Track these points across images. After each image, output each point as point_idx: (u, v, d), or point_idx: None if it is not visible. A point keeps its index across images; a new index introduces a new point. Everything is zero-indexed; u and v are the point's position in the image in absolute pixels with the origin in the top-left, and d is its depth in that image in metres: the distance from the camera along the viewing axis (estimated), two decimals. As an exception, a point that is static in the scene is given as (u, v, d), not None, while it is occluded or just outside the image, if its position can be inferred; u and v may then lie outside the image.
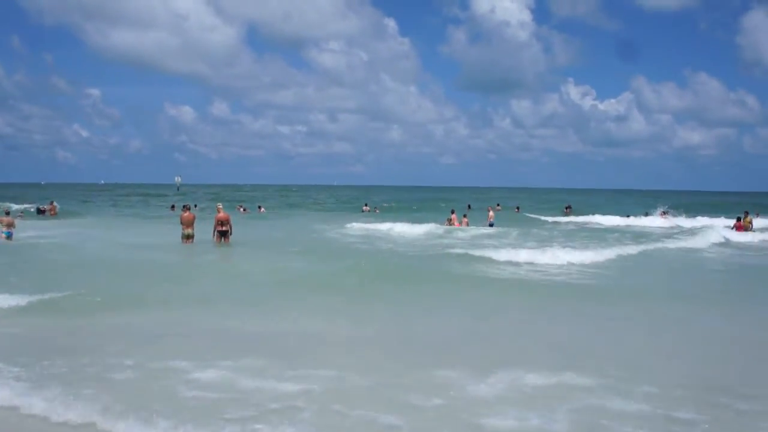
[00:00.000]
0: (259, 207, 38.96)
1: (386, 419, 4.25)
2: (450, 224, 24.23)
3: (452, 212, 26.09)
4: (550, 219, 28.64)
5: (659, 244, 17.16)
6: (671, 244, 17.23)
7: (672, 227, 25.75)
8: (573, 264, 12.92)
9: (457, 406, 4.54)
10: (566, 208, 41.14)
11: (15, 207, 33.61)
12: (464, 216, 25.91)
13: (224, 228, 16.35)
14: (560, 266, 12.65)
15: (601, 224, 27.76)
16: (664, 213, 30.80)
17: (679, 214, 30.40)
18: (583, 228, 25.03)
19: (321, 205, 52.73)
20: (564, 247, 14.87)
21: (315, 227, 21.59)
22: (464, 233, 19.54)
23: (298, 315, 7.57)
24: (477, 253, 13.64)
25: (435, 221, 24.90)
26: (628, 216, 30.66)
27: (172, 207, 36.90)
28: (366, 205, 40.83)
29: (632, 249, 15.72)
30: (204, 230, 17.02)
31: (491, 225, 25.40)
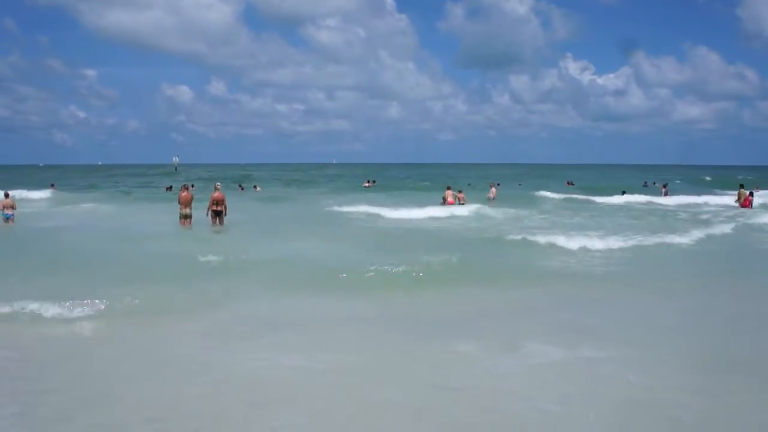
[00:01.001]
0: (255, 186, 38.59)
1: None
2: (444, 201, 23.91)
3: (448, 188, 25.88)
4: (556, 195, 27.97)
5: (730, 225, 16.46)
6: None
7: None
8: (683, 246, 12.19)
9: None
10: (568, 183, 41.00)
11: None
12: (459, 191, 25.75)
13: (219, 208, 16.01)
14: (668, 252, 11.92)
15: (610, 202, 26.84)
16: (665, 187, 31.11)
17: (673, 190, 30.56)
18: (610, 207, 24.37)
19: (320, 183, 52.28)
20: (624, 232, 13.93)
21: (323, 208, 20.76)
22: (492, 215, 18.16)
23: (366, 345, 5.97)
24: (541, 239, 12.41)
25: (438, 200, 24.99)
26: (623, 193, 30.39)
27: (169, 188, 36.39)
28: (368, 181, 40.42)
29: (712, 230, 14.94)
30: (202, 210, 16.71)
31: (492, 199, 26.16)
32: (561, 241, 12.21)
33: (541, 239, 12.42)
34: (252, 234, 14.00)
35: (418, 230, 13.86)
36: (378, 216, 18.20)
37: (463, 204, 23.79)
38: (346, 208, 19.19)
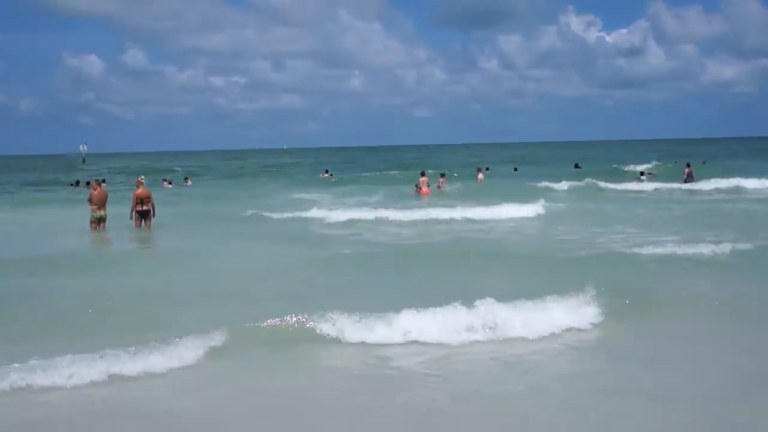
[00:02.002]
0: (186, 179, 38.62)
1: None
2: (418, 191, 25.11)
3: (422, 174, 26.62)
4: (563, 186, 28.03)
5: None
6: None
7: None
8: None
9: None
10: (575, 167, 41.73)
11: None
12: (442, 175, 26.93)
13: (145, 207, 16.06)
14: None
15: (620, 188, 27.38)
16: (642, 174, 31.86)
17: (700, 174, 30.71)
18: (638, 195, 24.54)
19: (269, 175, 52.29)
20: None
21: (282, 211, 20.39)
22: (533, 217, 17.39)
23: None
24: (676, 250, 11.29)
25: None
26: (642, 175, 31.14)
27: (75, 184, 36.03)
28: (327, 171, 40.70)
29: None
30: (118, 212, 16.79)
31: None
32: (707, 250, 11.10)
33: (677, 250, 11.26)
34: (189, 247, 13.71)
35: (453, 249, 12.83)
36: (374, 225, 16.68)
37: (441, 189, 25.60)
38: (313, 213, 18.48)
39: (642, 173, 32.23)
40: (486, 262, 10.84)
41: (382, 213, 17.87)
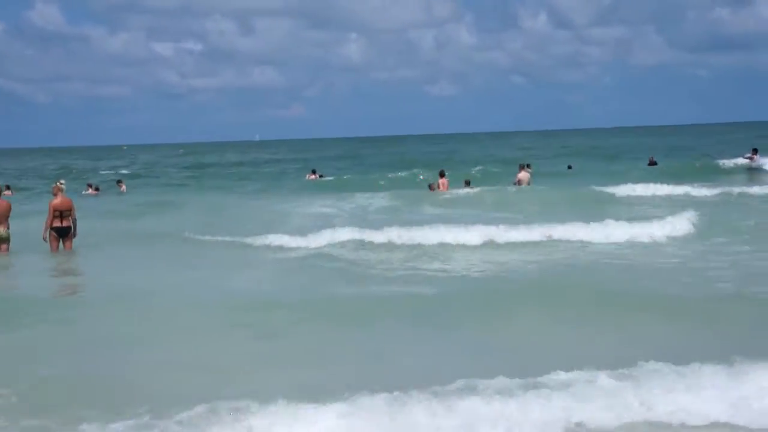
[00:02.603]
0: (119, 182, 38.83)
1: None
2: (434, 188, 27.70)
3: (441, 175, 28.82)
4: (645, 190, 27.75)
5: None
6: None
7: None
8: None
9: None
10: (650, 163, 41.79)
11: None
12: (441, 174, 28.77)
13: (65, 223, 16.12)
14: None
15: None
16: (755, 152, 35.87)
17: None
18: None
19: (239, 176, 52.98)
20: None
21: (241, 215, 20.14)
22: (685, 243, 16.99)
23: None
24: None
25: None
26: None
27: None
28: (314, 171, 41.02)
29: None
30: (26, 229, 16.82)
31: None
32: None
33: None
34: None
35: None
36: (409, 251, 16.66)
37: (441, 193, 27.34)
38: (285, 239, 18.25)
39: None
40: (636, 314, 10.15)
41: (418, 234, 17.77)
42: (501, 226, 17.82)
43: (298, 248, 16.94)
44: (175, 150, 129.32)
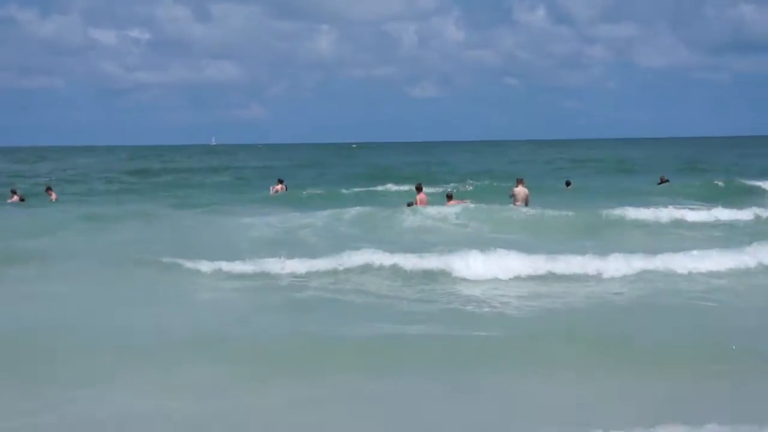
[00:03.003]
0: (48, 190, 38.28)
1: None
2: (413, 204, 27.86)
3: (418, 189, 28.97)
4: (656, 214, 27.47)
5: None
6: None
7: None
8: None
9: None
10: (661, 181, 41.96)
11: None
12: (417, 189, 28.91)
13: None
14: None
15: None
16: None
17: None
18: None
19: (191, 184, 52.90)
20: None
21: (192, 232, 19.82)
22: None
23: None
24: None
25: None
26: None
27: None
28: (280, 182, 40.83)
29: None
30: None
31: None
32: None
33: None
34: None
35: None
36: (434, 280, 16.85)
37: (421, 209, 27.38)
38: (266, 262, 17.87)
39: None
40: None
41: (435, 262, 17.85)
42: (513, 253, 17.76)
43: (269, 275, 16.92)
44: (117, 154, 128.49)
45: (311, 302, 14.68)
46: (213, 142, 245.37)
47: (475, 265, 17.12)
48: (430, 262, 17.51)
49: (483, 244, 18.60)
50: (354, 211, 27.01)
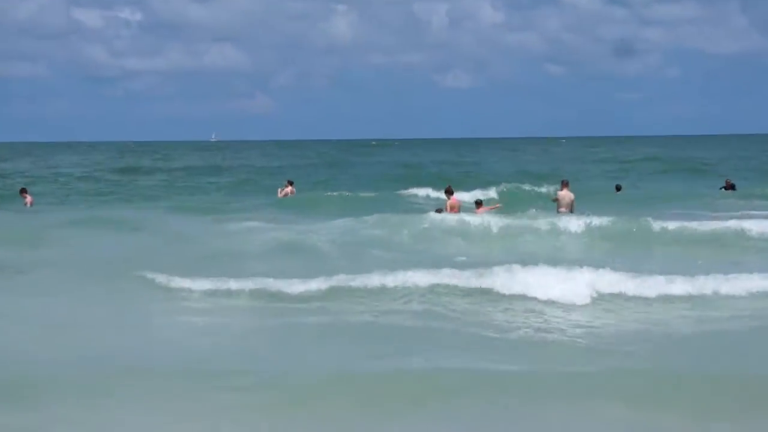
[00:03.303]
0: (23, 192, 37.93)
1: None
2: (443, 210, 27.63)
3: (448, 193, 28.86)
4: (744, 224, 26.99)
5: None
6: None
7: None
8: None
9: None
10: (726, 187, 41.61)
11: None
12: (448, 192, 28.73)
13: None
14: None
15: None
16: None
17: None
18: None
19: (182, 185, 52.52)
20: None
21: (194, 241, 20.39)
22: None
23: None
24: None
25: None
26: None
27: None
28: (290, 183, 40.84)
29: None
30: None
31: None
32: None
33: None
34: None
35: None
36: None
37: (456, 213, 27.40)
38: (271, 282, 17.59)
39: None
40: None
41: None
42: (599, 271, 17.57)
43: (284, 295, 16.65)
44: (105, 151, 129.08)
45: (335, 329, 14.51)
46: (213, 137, 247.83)
47: (545, 283, 16.91)
48: (482, 280, 17.22)
49: (533, 257, 18.46)
50: (374, 218, 26.78)
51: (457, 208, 27.60)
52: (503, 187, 44.32)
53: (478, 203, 29.17)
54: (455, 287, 16.98)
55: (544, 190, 40.36)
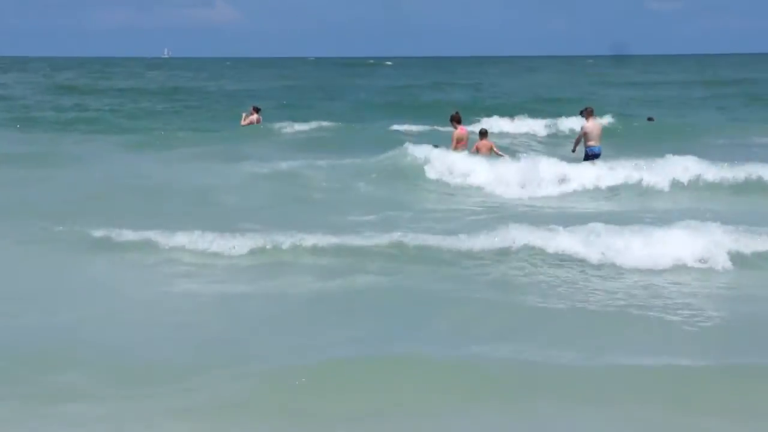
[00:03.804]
0: None
1: None
2: (458, 147, 27.81)
3: (454, 119, 28.55)
4: None
5: None
6: None
7: None
8: None
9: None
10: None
11: None
12: (483, 134, 28.79)
13: None
14: None
15: None
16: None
17: None
18: None
19: (122, 109, 53.77)
20: None
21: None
22: None
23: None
24: None
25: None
26: None
27: None
28: (256, 110, 41.46)
29: None
30: None
31: (593, 156, 28.67)
32: None
33: None
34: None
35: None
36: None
37: (499, 154, 27.85)
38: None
39: None
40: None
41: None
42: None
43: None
44: (38, 67, 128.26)
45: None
46: (166, 53, 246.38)
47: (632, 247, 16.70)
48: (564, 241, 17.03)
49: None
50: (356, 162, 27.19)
51: (465, 141, 27.61)
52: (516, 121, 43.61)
53: (483, 133, 29.07)
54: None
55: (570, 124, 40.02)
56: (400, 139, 31.22)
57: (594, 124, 29.23)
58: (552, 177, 25.33)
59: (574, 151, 28.60)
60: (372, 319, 13.12)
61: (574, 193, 24.54)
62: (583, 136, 28.96)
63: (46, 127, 43.70)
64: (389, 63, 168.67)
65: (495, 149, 27.78)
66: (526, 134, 40.69)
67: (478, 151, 27.30)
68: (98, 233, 17.59)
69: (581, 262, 16.18)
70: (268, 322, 12.97)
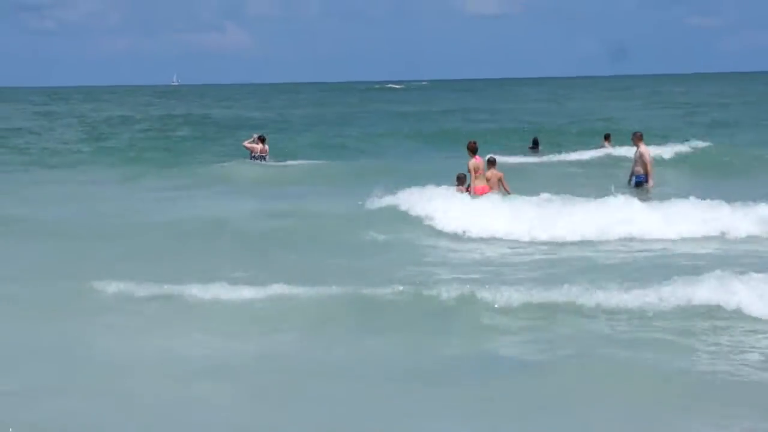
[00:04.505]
0: None
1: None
2: (462, 187, 27.27)
3: (470, 149, 27.68)
4: None
5: None
6: None
7: None
8: None
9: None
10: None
11: None
12: (490, 162, 28.32)
13: None
14: None
15: None
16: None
17: None
18: None
19: (130, 145, 53.17)
20: None
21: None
22: None
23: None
24: None
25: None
26: None
27: None
28: (261, 140, 41.28)
29: None
30: None
31: (639, 182, 28.89)
32: None
33: None
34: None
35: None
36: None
37: (507, 191, 27.26)
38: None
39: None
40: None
41: None
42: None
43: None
44: (35, 97, 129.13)
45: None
46: (175, 81, 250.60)
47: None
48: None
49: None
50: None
51: (481, 170, 26.37)
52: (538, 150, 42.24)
53: (492, 162, 27.94)
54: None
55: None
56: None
57: (644, 150, 28.83)
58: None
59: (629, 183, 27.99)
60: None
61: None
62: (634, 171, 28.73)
63: (48, 156, 43.80)
64: (403, 85, 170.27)
65: (503, 182, 26.89)
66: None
67: (488, 180, 26.48)
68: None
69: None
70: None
